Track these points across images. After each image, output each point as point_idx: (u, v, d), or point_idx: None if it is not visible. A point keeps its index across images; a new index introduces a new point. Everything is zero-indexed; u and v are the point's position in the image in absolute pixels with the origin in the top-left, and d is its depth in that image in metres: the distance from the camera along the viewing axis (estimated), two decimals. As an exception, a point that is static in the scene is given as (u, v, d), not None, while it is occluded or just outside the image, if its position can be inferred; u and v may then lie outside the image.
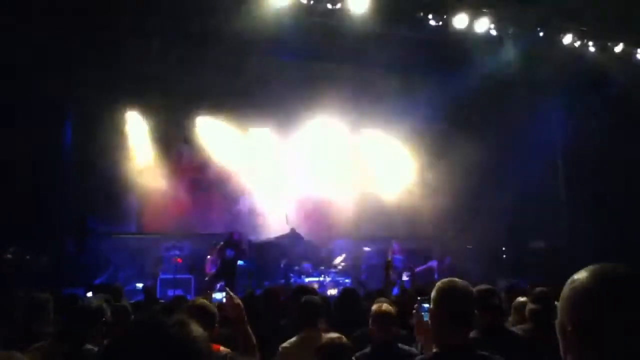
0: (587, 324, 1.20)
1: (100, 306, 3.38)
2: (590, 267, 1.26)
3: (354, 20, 10.28)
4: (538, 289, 4.24)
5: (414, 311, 2.74)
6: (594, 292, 1.21)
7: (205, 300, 3.42)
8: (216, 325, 3.24)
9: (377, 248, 12.76)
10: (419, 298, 2.79)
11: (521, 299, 4.55)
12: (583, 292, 1.22)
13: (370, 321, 3.75)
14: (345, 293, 5.75)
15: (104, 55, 10.63)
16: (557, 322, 1.29)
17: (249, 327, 3.24)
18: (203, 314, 3.16)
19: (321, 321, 4.00)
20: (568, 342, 1.24)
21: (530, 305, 4.16)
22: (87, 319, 3.26)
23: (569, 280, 1.27)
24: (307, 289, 5.77)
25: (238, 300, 3.24)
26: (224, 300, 3.23)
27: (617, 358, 1.17)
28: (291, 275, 11.16)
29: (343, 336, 3.17)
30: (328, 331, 3.98)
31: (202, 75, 11.32)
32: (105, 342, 3.39)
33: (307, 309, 4.00)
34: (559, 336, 1.28)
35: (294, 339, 3.88)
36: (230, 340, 3.26)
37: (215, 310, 3.28)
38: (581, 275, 1.26)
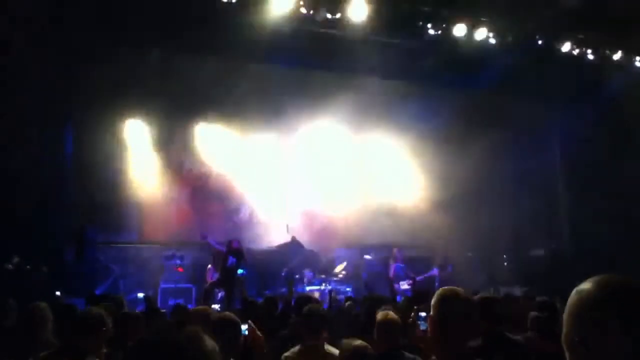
0: (594, 335, 1.20)
1: (101, 315, 3.35)
2: (596, 278, 1.26)
3: (354, 30, 10.34)
4: (539, 297, 4.26)
5: (411, 319, 2.75)
6: (601, 303, 1.21)
7: (231, 314, 3.43)
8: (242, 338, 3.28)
9: (378, 256, 12.75)
10: (415, 307, 2.79)
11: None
12: (590, 303, 1.22)
13: (375, 330, 3.74)
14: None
15: (105, 64, 10.67)
16: (563, 333, 1.28)
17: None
18: (228, 328, 3.21)
19: (324, 331, 4.00)
20: (575, 352, 1.24)
21: (532, 314, 4.17)
22: (87, 329, 3.24)
23: (575, 291, 1.27)
24: (309, 298, 5.78)
25: (260, 334, 3.31)
26: (247, 332, 3.28)
27: None
28: (287, 285, 11.15)
29: (367, 343, 3.17)
30: (331, 340, 4.00)
31: (202, 84, 11.36)
32: (106, 351, 3.40)
33: (310, 318, 4.00)
34: (565, 347, 1.27)
35: (296, 348, 3.87)
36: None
37: (240, 323, 3.31)
38: (587, 286, 1.26)
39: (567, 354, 1.27)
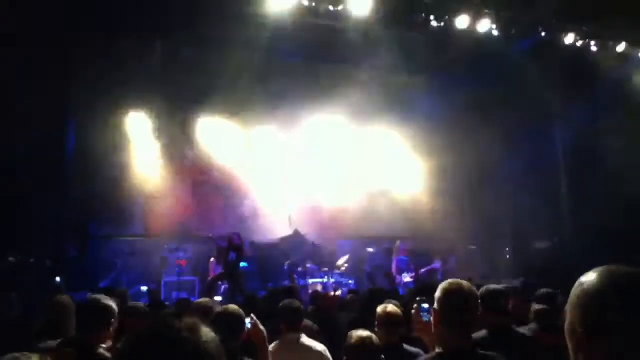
0: (598, 326, 1.20)
1: (109, 306, 3.32)
2: (599, 269, 1.26)
3: (356, 22, 10.30)
4: (542, 290, 4.24)
5: (413, 311, 2.75)
6: (605, 294, 1.21)
7: (236, 307, 3.46)
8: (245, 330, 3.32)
9: (381, 249, 12.77)
10: (417, 299, 2.79)
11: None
12: (593, 294, 1.23)
13: (376, 323, 3.74)
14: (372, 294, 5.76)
15: (107, 57, 10.66)
16: (566, 324, 1.29)
17: (269, 353, 3.35)
18: (231, 320, 3.25)
19: (302, 324, 4.07)
20: (578, 343, 1.24)
21: (535, 306, 4.16)
22: (97, 320, 3.20)
23: (578, 283, 1.28)
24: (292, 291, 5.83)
25: (262, 327, 3.33)
26: (250, 325, 3.31)
27: (628, 359, 1.18)
28: (295, 276, 11.16)
29: (373, 334, 3.19)
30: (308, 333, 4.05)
31: (205, 77, 11.34)
32: (110, 344, 3.40)
33: (287, 312, 4.05)
34: (568, 338, 1.28)
35: (275, 343, 3.93)
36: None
37: (244, 316, 3.34)
38: (590, 277, 1.26)
39: (569, 345, 1.28)
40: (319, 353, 3.86)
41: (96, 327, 3.15)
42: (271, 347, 3.87)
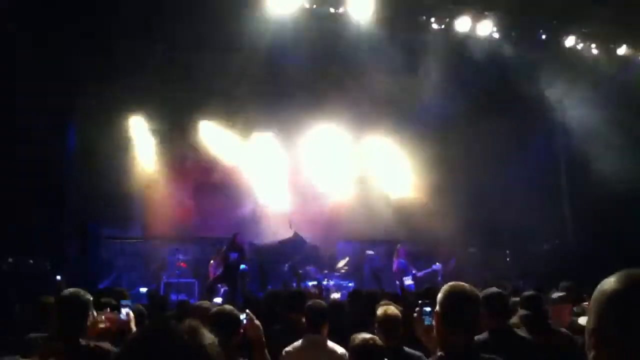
0: (608, 324, 1.22)
1: (88, 299, 3.32)
2: (620, 272, 1.28)
3: (357, 24, 10.32)
4: (526, 293, 4.22)
5: (415, 314, 2.74)
6: (620, 294, 1.23)
7: (231, 307, 3.45)
8: (241, 331, 3.32)
9: (381, 251, 12.75)
10: (420, 301, 2.78)
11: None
12: (607, 295, 1.25)
13: (375, 326, 3.71)
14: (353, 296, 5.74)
15: (108, 60, 10.65)
16: (586, 328, 1.31)
17: (266, 350, 3.33)
18: (227, 321, 3.25)
19: (325, 326, 4.01)
20: (597, 348, 1.26)
21: (521, 311, 4.14)
22: (76, 311, 3.22)
23: (599, 285, 1.31)
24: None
25: (258, 323, 3.31)
26: (245, 321, 3.30)
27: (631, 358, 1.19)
28: (295, 278, 11.15)
29: (376, 337, 3.18)
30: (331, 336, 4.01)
31: (205, 80, 11.33)
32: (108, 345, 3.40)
33: (312, 313, 4.01)
34: (587, 342, 1.29)
35: (298, 342, 3.88)
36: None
37: (239, 316, 3.33)
38: (610, 280, 1.28)
39: (589, 349, 1.28)
40: (341, 356, 3.83)
41: (79, 321, 3.19)
42: (294, 345, 3.86)
